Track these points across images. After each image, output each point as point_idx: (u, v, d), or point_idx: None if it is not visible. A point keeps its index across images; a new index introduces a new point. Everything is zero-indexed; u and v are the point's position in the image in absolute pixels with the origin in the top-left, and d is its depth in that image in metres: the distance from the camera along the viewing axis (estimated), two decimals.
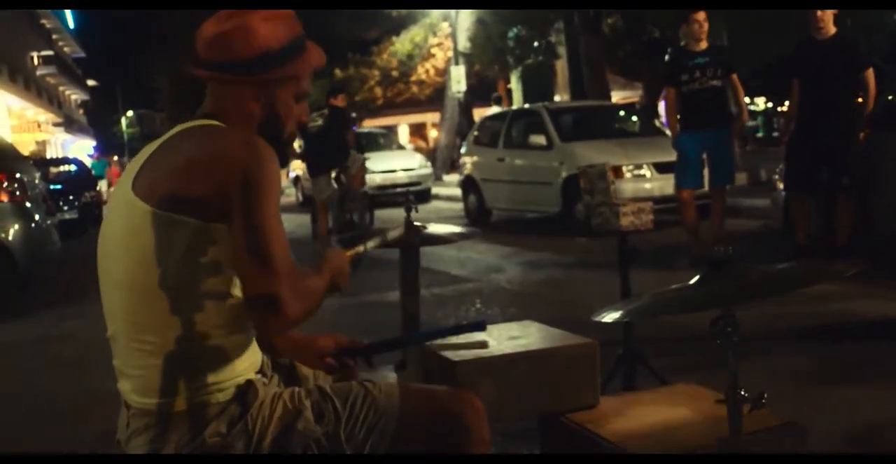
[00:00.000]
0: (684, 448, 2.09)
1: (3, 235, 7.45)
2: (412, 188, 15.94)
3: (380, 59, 30.00)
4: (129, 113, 68.19)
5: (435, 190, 18.56)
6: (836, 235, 6.65)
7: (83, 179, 18.04)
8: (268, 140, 1.85)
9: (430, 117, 33.25)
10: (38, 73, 41.95)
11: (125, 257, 1.81)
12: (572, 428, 2.32)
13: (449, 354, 2.38)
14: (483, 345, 2.42)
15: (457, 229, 3.27)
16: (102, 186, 21.38)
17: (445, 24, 24.59)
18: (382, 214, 13.46)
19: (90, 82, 63.21)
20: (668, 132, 8.72)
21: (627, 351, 3.51)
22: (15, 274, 7.53)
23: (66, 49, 54.62)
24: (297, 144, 13.32)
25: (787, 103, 7.96)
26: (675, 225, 7.76)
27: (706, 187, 7.55)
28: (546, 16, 18.28)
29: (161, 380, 1.80)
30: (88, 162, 28.56)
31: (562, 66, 21.48)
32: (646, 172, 9.91)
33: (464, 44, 22.25)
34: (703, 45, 7.30)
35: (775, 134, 30.67)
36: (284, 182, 23.39)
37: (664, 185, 9.15)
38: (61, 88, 50.82)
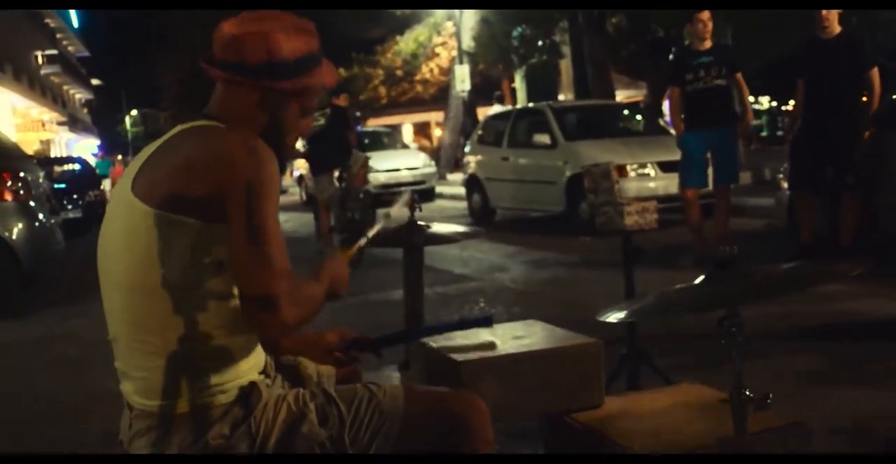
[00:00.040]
0: (688, 448, 2.08)
1: (7, 234, 7.46)
2: (416, 187, 15.95)
3: (384, 58, 30.02)
4: (133, 112, 68.20)
5: (439, 189, 18.55)
6: (841, 234, 6.63)
7: (87, 178, 18.07)
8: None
9: (434, 116, 33.24)
10: (43, 72, 42.00)
11: (125, 258, 1.81)
12: (576, 428, 2.31)
13: (453, 354, 2.38)
14: (491, 346, 2.41)
15: (460, 229, 3.27)
16: (106, 185, 21.38)
17: (450, 24, 24.59)
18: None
19: (94, 81, 63.26)
20: (672, 131, 8.71)
21: (631, 350, 3.50)
22: (19, 273, 7.53)
23: (70, 48, 54.70)
24: (299, 144, 13.34)
25: (791, 102, 7.94)
26: (680, 224, 7.75)
27: (710, 186, 7.54)
28: (550, 15, 18.25)
29: (163, 382, 1.80)
30: (93, 161, 28.61)
31: (566, 66, 21.49)
32: (650, 171, 9.90)
33: (468, 43, 22.24)
34: (708, 44, 7.28)
35: (779, 133, 30.61)
36: (288, 181, 23.44)
37: (668, 184, 9.14)
38: (65, 87, 50.88)
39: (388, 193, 16.51)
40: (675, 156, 7.81)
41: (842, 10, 6.62)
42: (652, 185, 9.70)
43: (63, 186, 15.72)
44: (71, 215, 14.37)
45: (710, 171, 7.51)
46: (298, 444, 1.85)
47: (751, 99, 8.21)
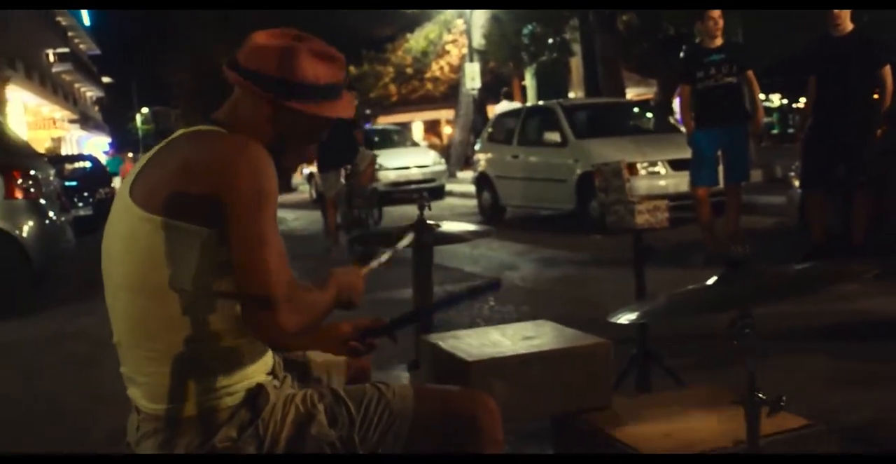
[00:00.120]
0: (699, 450, 2.06)
1: (17, 231, 7.47)
2: (426, 185, 15.97)
3: (394, 56, 30.00)
4: (144, 110, 68.46)
5: (449, 187, 18.54)
6: (853, 232, 6.59)
7: (98, 175, 18.11)
8: None
9: (445, 114, 33.22)
10: (54, 70, 42.13)
11: (125, 261, 1.80)
12: (586, 429, 2.30)
13: (462, 354, 2.36)
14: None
15: (470, 227, 3.25)
16: (117, 182, 21.46)
17: (460, 21, 24.57)
18: (396, 211, 13.45)
19: (105, 79, 63.46)
20: (682, 129, 8.68)
21: (641, 350, 3.48)
22: (29, 271, 7.55)
23: (81, 46, 54.88)
24: None
25: (802, 100, 7.88)
26: (690, 222, 7.72)
27: (721, 184, 7.51)
28: (561, 13, 18.22)
29: (170, 385, 1.79)
30: (103, 159, 28.70)
31: (576, 64, 21.43)
32: (660, 169, 9.87)
33: (478, 41, 22.21)
34: (719, 41, 7.25)
35: (790, 130, 30.50)
36: (298, 179, 23.49)
37: (679, 182, 9.11)
38: (76, 85, 51.06)
39: (397, 192, 16.54)
40: (686, 154, 7.78)
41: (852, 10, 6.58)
42: (662, 183, 9.67)
43: (74, 183, 15.77)
44: (81, 213, 14.42)
45: (720, 169, 7.48)
46: (308, 445, 1.84)
47: (761, 96, 8.17)
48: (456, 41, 27.21)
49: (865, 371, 4.19)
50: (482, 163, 13.12)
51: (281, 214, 14.80)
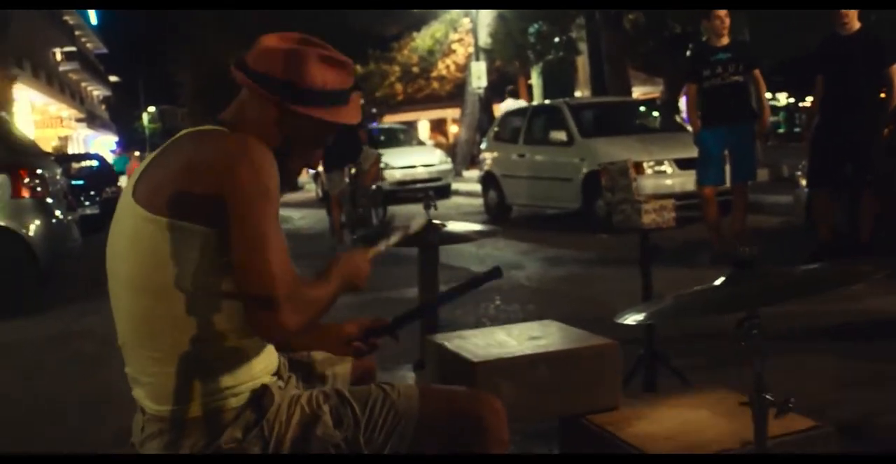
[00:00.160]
0: (707, 452, 2.05)
1: (24, 230, 7.49)
2: (432, 184, 15.96)
3: (400, 54, 29.98)
4: (151, 108, 68.61)
5: (455, 186, 18.53)
6: (860, 231, 6.57)
7: (105, 174, 18.14)
8: None
9: (451, 113, 33.23)
10: (61, 69, 42.26)
11: (129, 261, 1.80)
12: (593, 430, 2.29)
13: (468, 354, 2.36)
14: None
15: (476, 227, 3.25)
16: (123, 181, 21.50)
17: (466, 20, 24.55)
18: (402, 210, 13.44)
19: (112, 78, 63.61)
20: (689, 128, 8.65)
21: (649, 351, 3.47)
22: (36, 270, 7.56)
23: (88, 45, 55.01)
24: None
25: (808, 99, 7.87)
26: (697, 221, 7.70)
27: (728, 184, 7.49)
28: (567, 11, 18.20)
29: (174, 386, 1.78)
30: (110, 158, 28.74)
31: (583, 62, 21.40)
32: (667, 168, 9.85)
33: (484, 39, 22.20)
34: (725, 40, 7.23)
35: (797, 129, 30.41)
36: (304, 178, 23.48)
37: (685, 181, 9.08)
38: (83, 84, 51.18)
39: (403, 191, 16.53)
40: (693, 153, 7.76)
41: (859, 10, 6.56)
42: (669, 182, 9.65)
43: (81, 182, 15.80)
44: (88, 212, 14.45)
45: (727, 168, 7.46)
46: (313, 446, 1.84)
47: (768, 95, 8.12)
48: (462, 40, 27.19)
49: (873, 371, 4.17)
50: (488, 162, 13.11)
51: (287, 212, 14.87)
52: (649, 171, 9.78)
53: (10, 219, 7.47)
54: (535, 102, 18.15)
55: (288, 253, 1.75)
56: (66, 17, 45.63)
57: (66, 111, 41.26)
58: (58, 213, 8.07)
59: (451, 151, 23.52)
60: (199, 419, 1.78)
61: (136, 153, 44.53)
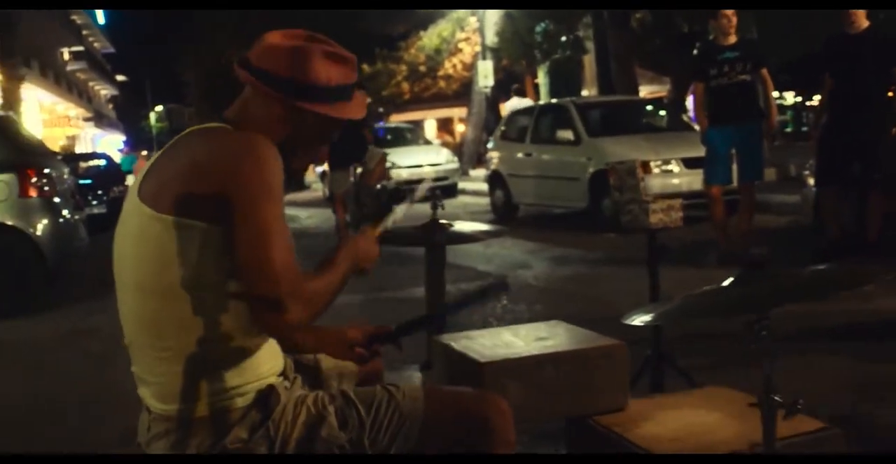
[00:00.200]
0: (714, 453, 2.04)
1: (31, 230, 7.51)
2: (439, 183, 15.94)
3: (407, 54, 29.97)
4: (158, 108, 68.71)
5: (461, 185, 18.53)
6: (868, 230, 6.55)
7: (112, 173, 18.19)
8: None
9: (457, 112, 33.20)
10: (69, 68, 42.36)
11: (136, 261, 1.80)
12: (600, 431, 2.28)
13: (475, 355, 2.35)
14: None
15: (483, 227, 3.23)
16: (131, 180, 21.55)
17: (473, 19, 24.53)
18: (406, 209, 13.42)
19: (119, 77, 63.73)
20: (696, 127, 8.63)
21: (656, 352, 3.46)
22: (44, 269, 7.59)
23: (96, 45, 55.14)
24: None
25: (816, 98, 7.84)
26: (704, 221, 7.68)
27: (735, 183, 7.47)
28: (574, 10, 18.17)
29: (181, 386, 1.78)
30: (118, 157, 28.81)
31: (590, 61, 21.38)
32: (674, 167, 9.82)
33: (491, 38, 22.18)
34: (733, 39, 7.21)
35: (804, 128, 30.32)
36: (311, 177, 23.50)
37: (692, 180, 9.05)
38: (91, 84, 51.29)
39: (408, 190, 16.54)
40: (700, 152, 7.74)
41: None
42: (676, 181, 9.62)
43: (88, 181, 15.84)
44: (95, 211, 14.47)
45: (734, 167, 7.44)
46: (318, 446, 1.83)
47: (775, 94, 8.08)
48: (469, 39, 27.16)
49: (882, 372, 4.15)
50: (495, 161, 13.11)
51: (294, 212, 14.87)
52: (656, 170, 9.76)
53: (18, 218, 7.50)
54: (541, 101, 18.14)
55: (293, 250, 1.74)
56: (74, 17, 45.74)
57: (74, 110, 41.36)
58: (65, 212, 8.09)
59: (457, 150, 23.52)
60: (205, 419, 1.78)
61: (144, 152, 44.66)
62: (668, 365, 3.48)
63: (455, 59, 29.19)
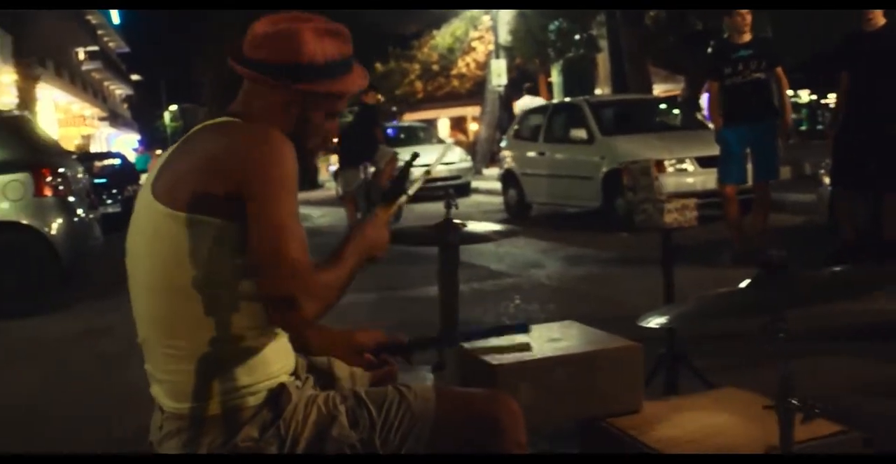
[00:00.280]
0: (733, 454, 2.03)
1: (46, 229, 7.54)
2: (452, 182, 15.92)
3: (420, 52, 29.99)
4: (173, 107, 68.90)
5: (475, 184, 18.50)
6: (884, 229, 6.49)
7: (127, 173, 18.26)
8: None
9: (471, 111, 33.18)
10: (84, 68, 42.53)
11: (149, 260, 1.79)
12: (613, 433, 2.26)
13: (488, 357, 2.33)
14: (526, 347, 2.36)
15: (496, 227, 3.22)
16: (144, 179, 21.64)
17: (486, 18, 24.51)
18: (420, 208, 13.41)
19: (134, 77, 63.95)
20: (710, 125, 8.58)
21: (670, 352, 3.44)
22: (58, 268, 7.62)
23: (111, 44, 55.33)
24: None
25: (831, 96, 7.80)
26: (718, 220, 7.64)
27: (749, 182, 7.42)
28: (587, 9, 18.13)
29: (193, 384, 1.78)
30: (132, 156, 28.90)
31: (603, 60, 21.33)
32: (688, 166, 9.78)
33: (504, 37, 22.15)
34: (747, 37, 7.17)
35: (819, 127, 30.19)
36: (324, 176, 23.53)
37: (707, 179, 9.00)
38: (106, 83, 51.49)
39: (422, 189, 16.51)
40: (714, 151, 7.70)
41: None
42: (690, 180, 9.58)
43: (103, 180, 15.89)
44: (110, 210, 14.53)
45: (749, 166, 7.39)
46: (328, 446, 1.82)
47: (789, 92, 8.01)
48: (482, 38, 27.14)
49: (891, 373, 4.11)
50: (508, 160, 13.09)
51: (307, 210, 14.89)
52: (671, 169, 9.72)
53: (33, 217, 7.53)
54: (555, 100, 18.10)
55: (306, 242, 1.73)
56: (89, 17, 45.91)
57: (89, 110, 41.53)
58: (80, 211, 8.12)
59: (471, 148, 23.50)
60: (217, 418, 1.78)
61: (158, 151, 44.76)
62: (683, 365, 3.46)
63: (468, 58, 29.18)
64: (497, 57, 22.05)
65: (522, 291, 6.89)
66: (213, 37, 33.61)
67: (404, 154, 13.96)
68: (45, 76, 29.19)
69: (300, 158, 1.80)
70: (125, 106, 63.65)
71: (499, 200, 13.91)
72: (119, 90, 58.56)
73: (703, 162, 9.40)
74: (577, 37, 20.39)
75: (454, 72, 30.18)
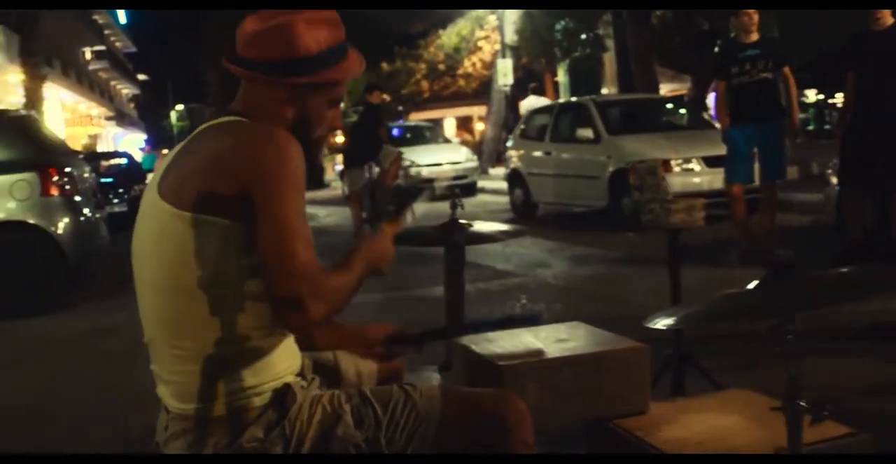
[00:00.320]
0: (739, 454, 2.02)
1: (53, 228, 7.56)
2: (458, 182, 15.93)
3: (426, 52, 30.02)
4: (179, 107, 68.99)
5: (481, 183, 18.50)
6: (892, 229, 6.47)
7: (133, 172, 18.32)
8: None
9: (477, 111, 33.16)
10: (91, 67, 42.61)
11: (155, 260, 1.79)
12: (620, 434, 2.25)
13: (495, 358, 2.33)
14: (539, 353, 2.34)
15: (502, 227, 3.22)
16: (150, 179, 21.68)
17: (492, 18, 24.52)
18: (426, 208, 13.41)
19: (141, 77, 64.07)
20: (717, 125, 8.56)
21: (677, 353, 3.43)
22: (65, 267, 7.63)
23: (117, 44, 55.45)
24: (339, 138, 13.62)
25: (838, 96, 7.76)
26: (725, 219, 7.62)
27: (756, 182, 7.40)
28: (594, 9, 18.11)
29: (198, 385, 1.77)
30: (139, 155, 28.96)
31: (609, 59, 21.27)
32: (695, 166, 9.76)
33: (511, 37, 22.14)
34: (754, 37, 7.15)
35: (826, 127, 30.10)
36: (331, 175, 23.54)
37: (713, 179, 8.99)
38: (113, 83, 51.59)
39: (424, 188, 16.54)
40: (721, 150, 7.68)
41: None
42: (697, 180, 9.56)
43: (109, 180, 15.94)
44: (116, 209, 14.57)
45: (756, 166, 7.38)
46: (334, 446, 1.82)
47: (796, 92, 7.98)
48: (488, 37, 27.15)
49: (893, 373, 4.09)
50: (514, 159, 13.07)
51: (313, 210, 14.89)
52: (677, 169, 9.70)
53: (40, 217, 7.54)
54: (561, 100, 18.09)
55: (312, 242, 1.72)
56: (96, 17, 46.02)
57: (96, 109, 41.61)
58: (86, 211, 8.14)
59: (477, 148, 23.49)
60: (222, 418, 1.77)
61: (165, 151, 44.83)
62: (690, 366, 3.45)
63: (474, 58, 29.20)
64: (503, 56, 22.05)
65: (528, 290, 6.88)
66: (213, 37, 33.68)
67: (413, 154, 13.98)
68: (52, 76, 29.24)
69: (306, 151, 1.79)
70: (132, 105, 63.76)
71: (505, 199, 13.90)
72: (126, 90, 58.66)
73: (710, 162, 9.38)
74: (583, 36, 20.37)
75: (460, 71, 30.20)
